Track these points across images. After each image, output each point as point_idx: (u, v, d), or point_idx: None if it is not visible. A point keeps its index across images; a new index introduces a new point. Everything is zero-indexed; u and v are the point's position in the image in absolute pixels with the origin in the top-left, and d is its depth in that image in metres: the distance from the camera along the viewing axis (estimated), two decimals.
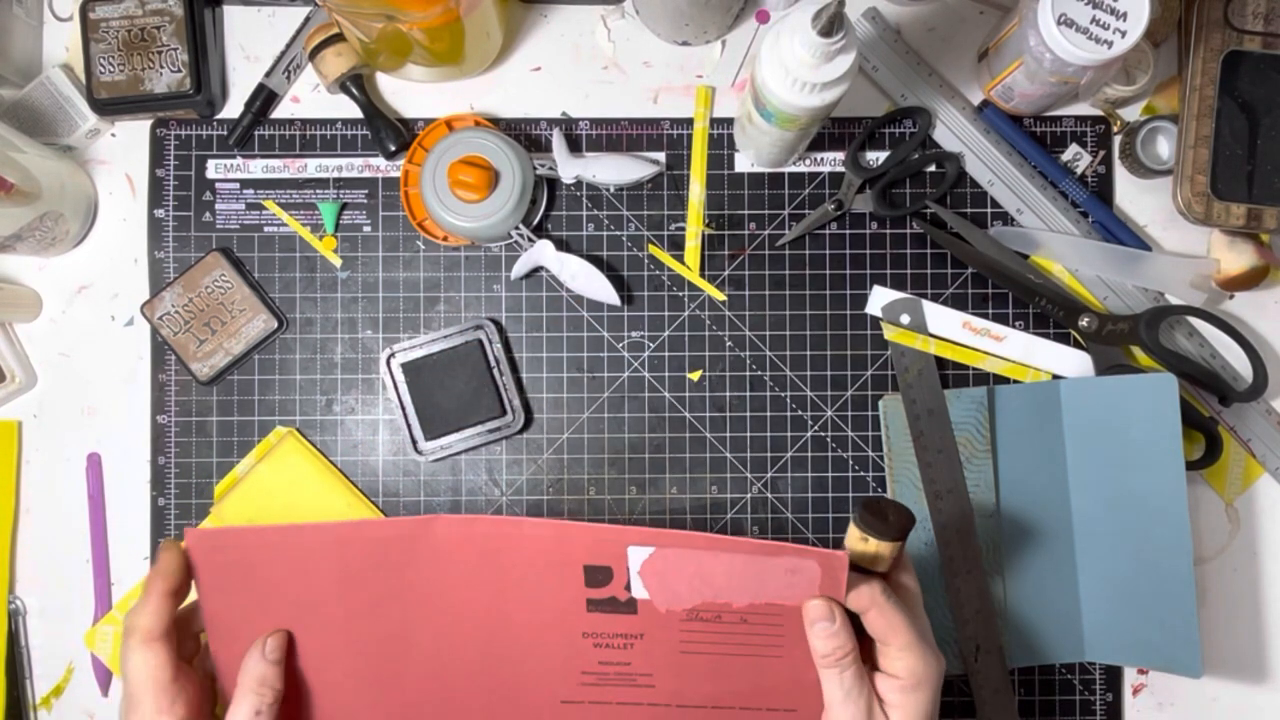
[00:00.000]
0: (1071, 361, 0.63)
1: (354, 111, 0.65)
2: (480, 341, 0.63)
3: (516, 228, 0.61)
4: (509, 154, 0.60)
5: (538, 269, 0.64)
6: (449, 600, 0.48)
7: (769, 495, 0.64)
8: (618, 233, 0.65)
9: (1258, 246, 0.62)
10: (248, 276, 0.64)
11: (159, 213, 0.65)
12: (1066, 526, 0.62)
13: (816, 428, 0.64)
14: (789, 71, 0.50)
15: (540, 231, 0.64)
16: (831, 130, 0.65)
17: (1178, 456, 0.58)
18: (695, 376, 0.64)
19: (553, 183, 0.65)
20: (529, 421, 0.64)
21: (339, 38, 0.62)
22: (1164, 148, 0.64)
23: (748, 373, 0.64)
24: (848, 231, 0.65)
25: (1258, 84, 0.60)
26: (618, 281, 0.64)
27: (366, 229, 0.65)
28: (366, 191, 0.65)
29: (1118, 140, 0.65)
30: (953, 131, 0.64)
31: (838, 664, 0.44)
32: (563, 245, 0.63)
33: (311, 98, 0.66)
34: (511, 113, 0.65)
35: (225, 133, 0.65)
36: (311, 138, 0.65)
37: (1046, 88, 0.59)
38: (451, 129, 0.63)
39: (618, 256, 0.65)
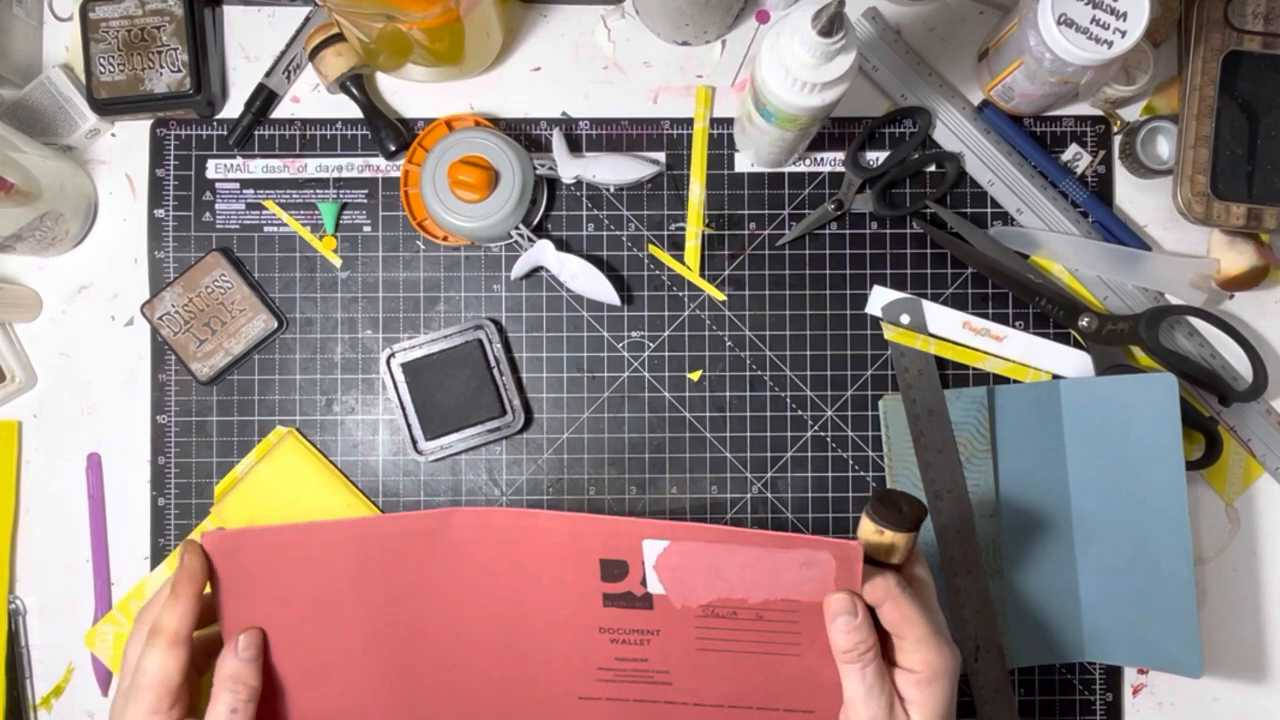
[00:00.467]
0: (1071, 361, 0.63)
1: (354, 111, 0.65)
2: (480, 341, 0.63)
3: (516, 228, 0.61)
4: (509, 154, 0.60)
5: (538, 269, 0.64)
6: (466, 595, 0.48)
7: (769, 495, 0.64)
8: (618, 233, 0.65)
9: (1258, 246, 0.62)
10: (248, 276, 0.64)
11: (159, 213, 0.65)
12: (1066, 526, 0.62)
13: (816, 428, 0.64)
14: (789, 71, 0.50)
15: (540, 231, 0.64)
16: (831, 130, 0.65)
17: (1178, 456, 0.58)
18: (695, 376, 0.64)
19: (553, 183, 0.65)
20: (529, 421, 0.64)
21: (339, 38, 0.62)
22: (1164, 148, 0.64)
23: (748, 373, 0.64)
24: (848, 231, 0.65)
25: (1258, 84, 0.60)
26: (618, 281, 0.64)
27: (366, 229, 0.65)
28: (366, 191, 0.65)
29: (1118, 140, 0.65)
30: (953, 131, 0.64)
31: (860, 659, 0.44)
32: (563, 245, 0.63)
33: (311, 98, 0.66)
34: (511, 113, 0.65)
35: (225, 133, 0.65)
36: (311, 138, 0.65)
37: (1046, 88, 0.59)
38: (451, 129, 0.63)
39: (618, 256, 0.65)
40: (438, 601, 0.48)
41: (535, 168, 0.62)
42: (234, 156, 0.65)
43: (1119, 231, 0.64)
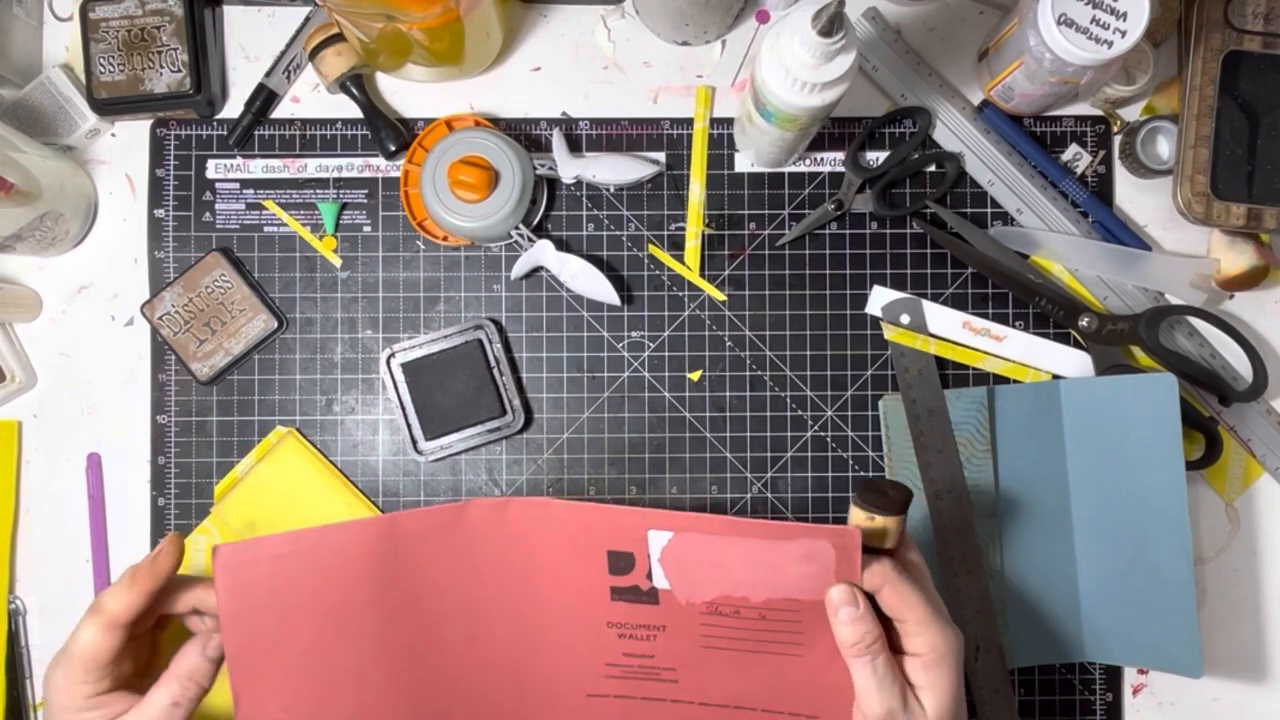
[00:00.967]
0: (1071, 361, 0.63)
1: (354, 111, 0.65)
2: (480, 341, 0.63)
3: (516, 228, 0.61)
4: (509, 154, 0.60)
5: (538, 269, 0.64)
6: (479, 592, 0.48)
7: (769, 495, 0.64)
8: (618, 233, 0.65)
9: (1258, 246, 0.62)
10: (248, 276, 0.64)
11: (159, 213, 0.65)
12: (1066, 526, 0.62)
13: (816, 428, 0.64)
14: (789, 71, 0.50)
15: (540, 231, 0.64)
16: (831, 130, 0.65)
17: (1178, 456, 0.58)
18: (695, 376, 0.64)
19: (553, 183, 0.65)
20: (529, 421, 0.64)
21: (339, 38, 0.62)
22: (1164, 148, 0.64)
23: (748, 373, 0.64)
24: (848, 231, 0.65)
25: (1258, 84, 0.60)
26: (618, 281, 0.64)
27: (366, 229, 0.65)
28: (366, 191, 0.65)
29: (1118, 140, 0.65)
30: (953, 131, 0.64)
31: (868, 650, 0.44)
32: (563, 245, 0.63)
33: (311, 98, 0.66)
34: (511, 113, 0.65)
35: (225, 133, 0.65)
36: (311, 138, 0.65)
37: (1046, 88, 0.59)
38: (451, 129, 0.63)
39: (618, 256, 0.65)
40: (452, 602, 0.48)
41: (535, 168, 0.62)
42: (234, 156, 0.65)
43: (1119, 231, 0.64)
